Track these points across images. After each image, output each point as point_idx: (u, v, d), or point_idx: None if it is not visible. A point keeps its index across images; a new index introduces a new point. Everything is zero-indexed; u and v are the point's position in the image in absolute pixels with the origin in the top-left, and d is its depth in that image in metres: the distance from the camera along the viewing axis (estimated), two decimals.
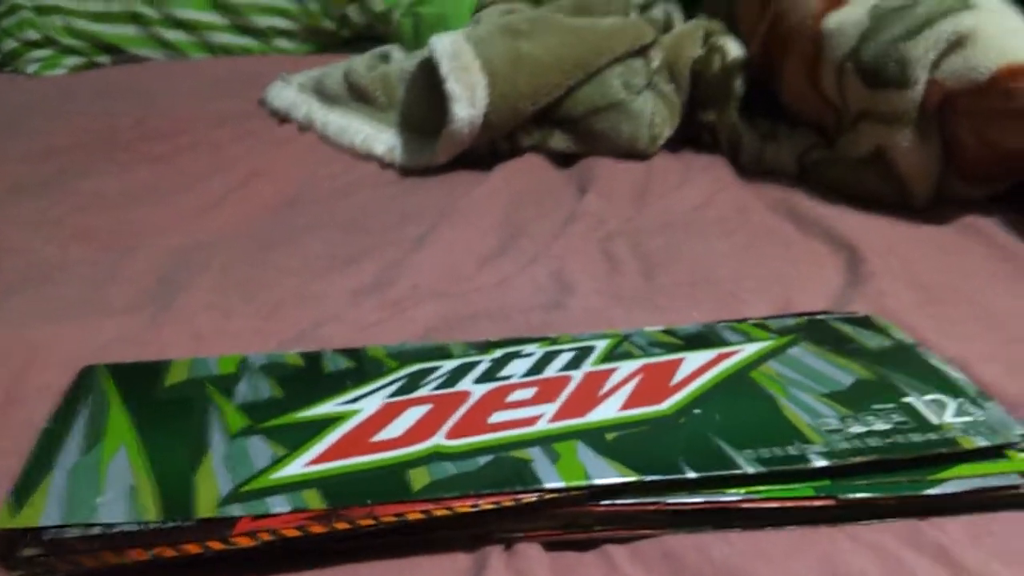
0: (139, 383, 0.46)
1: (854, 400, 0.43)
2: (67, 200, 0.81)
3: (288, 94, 1.01)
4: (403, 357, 0.48)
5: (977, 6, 0.71)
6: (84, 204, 0.80)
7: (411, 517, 0.37)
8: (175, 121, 1.01)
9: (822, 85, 0.81)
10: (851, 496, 0.39)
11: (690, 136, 0.91)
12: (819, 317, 0.53)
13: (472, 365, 0.47)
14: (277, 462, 0.39)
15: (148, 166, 0.90)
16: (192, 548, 0.35)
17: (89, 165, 0.90)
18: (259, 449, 0.40)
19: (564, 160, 0.88)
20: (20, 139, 0.97)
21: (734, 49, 0.88)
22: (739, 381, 0.45)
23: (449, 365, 0.47)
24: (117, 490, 0.38)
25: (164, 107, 1.07)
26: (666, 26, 0.97)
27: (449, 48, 0.85)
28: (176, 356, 0.51)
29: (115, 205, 0.80)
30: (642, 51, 0.89)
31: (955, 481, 0.39)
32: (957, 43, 0.69)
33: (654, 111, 0.87)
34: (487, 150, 0.87)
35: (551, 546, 0.38)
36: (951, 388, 0.44)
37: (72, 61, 1.27)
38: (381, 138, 0.90)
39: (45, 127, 1.01)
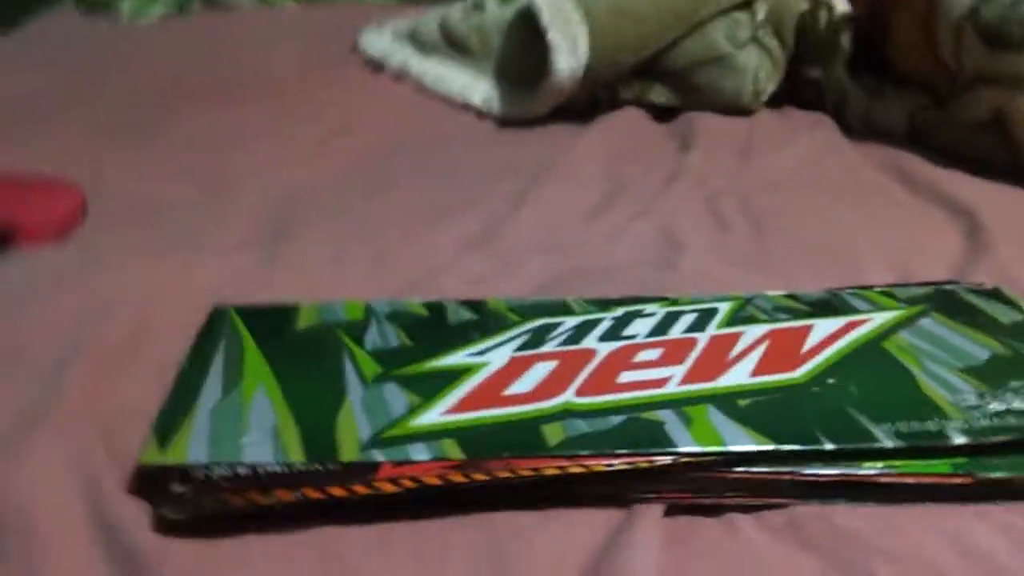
0: (271, 326, 0.47)
1: (992, 376, 0.42)
2: (161, 142, 0.82)
3: (382, 42, 1.00)
4: (525, 311, 0.49)
5: None
6: (179, 146, 0.81)
7: (547, 472, 0.37)
8: (266, 68, 1.02)
9: (937, 44, 0.78)
10: (989, 475, 0.38)
11: (792, 93, 0.89)
12: (947, 287, 0.52)
13: (594, 323, 0.47)
14: (413, 410, 0.40)
15: (240, 111, 0.90)
16: (338, 491, 0.36)
17: (181, 109, 0.90)
18: (395, 396, 0.41)
19: (664, 114, 0.86)
20: (111, 84, 0.99)
21: (841, 4, 0.85)
22: (872, 351, 0.44)
23: (571, 321, 0.47)
24: (261, 431, 0.39)
25: (255, 54, 1.07)
26: None
27: None
28: (291, 298, 0.51)
29: (211, 148, 0.81)
30: (747, 4, 0.87)
31: None
32: None
33: (758, 66, 0.85)
34: (586, 102, 0.86)
35: (676, 511, 0.38)
36: None
37: (162, 8, 1.28)
38: (478, 88, 0.89)
39: (136, 72, 1.02)
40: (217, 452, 0.38)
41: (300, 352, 0.44)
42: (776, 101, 0.88)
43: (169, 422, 0.40)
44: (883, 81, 0.85)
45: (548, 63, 0.81)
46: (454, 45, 0.94)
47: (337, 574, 0.35)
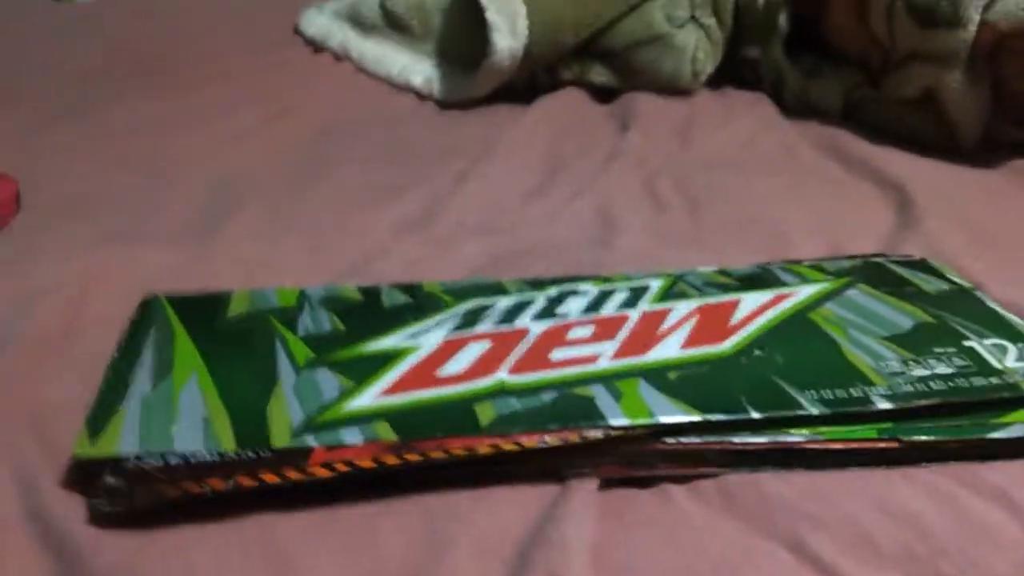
0: (202, 314, 0.46)
1: (916, 343, 0.43)
2: (103, 127, 0.80)
3: (322, 21, 0.99)
4: (459, 293, 0.49)
5: None
6: (121, 131, 0.80)
7: (481, 451, 0.37)
8: (207, 48, 1.00)
9: (870, 22, 0.79)
10: (914, 438, 0.39)
11: (731, 73, 0.90)
12: (875, 259, 0.53)
13: (528, 302, 0.48)
14: (346, 394, 0.40)
15: (182, 94, 0.89)
16: (270, 477, 0.36)
17: (122, 92, 0.89)
18: (327, 381, 0.41)
19: (604, 95, 0.86)
20: (51, 66, 0.96)
21: None
22: (799, 323, 0.45)
23: (505, 302, 0.48)
24: (191, 420, 0.38)
25: (195, 33, 1.06)
26: None
27: None
28: (225, 286, 0.51)
29: (152, 133, 0.79)
30: None
31: (1018, 425, 0.39)
32: None
33: (697, 46, 0.86)
34: (526, 83, 0.86)
35: (610, 483, 0.39)
36: (1011, 332, 0.44)
37: None
38: (418, 69, 0.88)
39: (75, 54, 0.99)
40: (148, 443, 0.37)
41: (231, 340, 0.44)
42: (716, 81, 0.89)
43: (101, 414, 0.39)
44: (820, 60, 0.86)
45: (488, 43, 0.81)
46: (394, 25, 0.93)
47: (273, 561, 0.35)
